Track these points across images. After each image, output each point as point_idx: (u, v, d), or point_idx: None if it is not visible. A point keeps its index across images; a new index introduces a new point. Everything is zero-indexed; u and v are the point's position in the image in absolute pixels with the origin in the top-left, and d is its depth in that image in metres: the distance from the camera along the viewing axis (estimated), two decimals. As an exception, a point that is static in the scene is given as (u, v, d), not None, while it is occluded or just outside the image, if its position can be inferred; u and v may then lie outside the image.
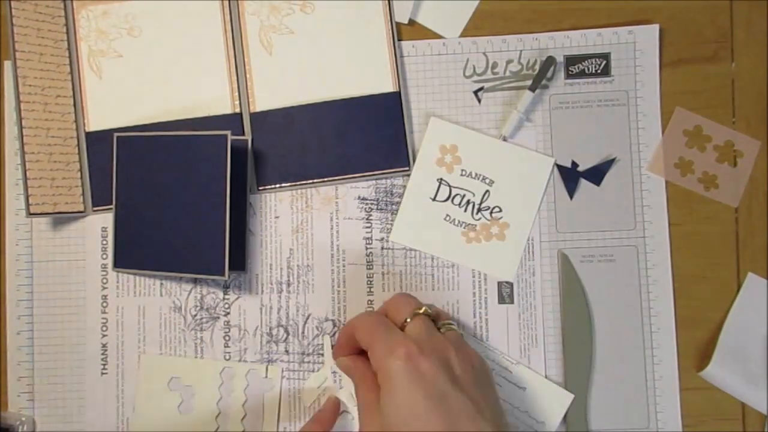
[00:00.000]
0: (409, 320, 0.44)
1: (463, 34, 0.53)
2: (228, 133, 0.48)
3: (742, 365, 0.50)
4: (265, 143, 0.53)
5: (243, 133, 0.53)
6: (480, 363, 0.44)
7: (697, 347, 0.52)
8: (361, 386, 0.45)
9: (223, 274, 0.49)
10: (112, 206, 0.52)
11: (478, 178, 0.52)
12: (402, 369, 0.40)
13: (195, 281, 0.53)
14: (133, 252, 0.51)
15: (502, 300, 0.52)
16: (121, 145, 0.52)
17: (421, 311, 0.45)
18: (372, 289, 0.53)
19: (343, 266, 0.53)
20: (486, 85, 0.53)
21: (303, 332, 0.53)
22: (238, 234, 0.52)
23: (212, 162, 0.49)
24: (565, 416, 0.51)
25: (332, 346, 0.52)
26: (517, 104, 0.52)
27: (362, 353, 0.46)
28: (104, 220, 0.54)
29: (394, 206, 0.53)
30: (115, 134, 0.52)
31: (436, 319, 0.46)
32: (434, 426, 0.38)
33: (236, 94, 0.53)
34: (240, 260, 0.52)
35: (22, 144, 0.50)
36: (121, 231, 0.52)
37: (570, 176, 0.52)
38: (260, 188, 0.53)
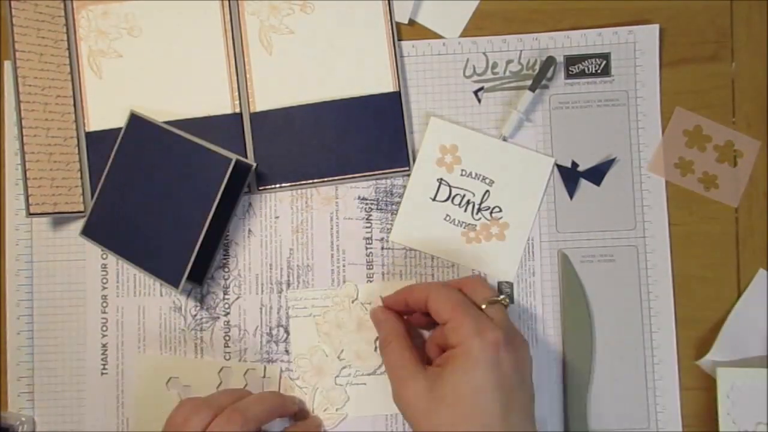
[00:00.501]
0: (485, 306, 0.45)
1: (463, 34, 0.53)
2: (234, 158, 0.48)
3: (741, 357, 0.50)
4: (265, 143, 0.53)
5: (243, 133, 0.53)
6: (530, 366, 0.46)
7: (697, 347, 0.52)
8: (395, 343, 0.46)
9: (177, 287, 0.49)
10: (102, 176, 0.52)
11: (478, 178, 0.52)
12: (487, 354, 0.42)
13: (195, 281, 0.53)
14: (104, 226, 0.52)
15: (502, 300, 0.52)
16: (134, 124, 0.52)
17: (500, 299, 0.46)
18: (372, 289, 0.53)
19: (343, 266, 0.53)
20: (486, 85, 0.53)
21: (303, 332, 0.53)
22: (208, 249, 0.52)
23: (209, 179, 0.49)
24: (565, 416, 0.51)
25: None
26: (517, 104, 0.52)
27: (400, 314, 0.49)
28: (104, 220, 0.54)
29: (394, 206, 0.53)
30: (131, 110, 0.52)
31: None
32: (491, 414, 0.41)
33: (236, 94, 0.53)
34: (200, 273, 0.53)
35: (22, 144, 0.50)
36: (101, 202, 0.52)
37: (570, 176, 0.52)
38: (260, 188, 0.53)
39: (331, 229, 0.53)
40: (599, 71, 0.52)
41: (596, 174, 0.52)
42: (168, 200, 0.50)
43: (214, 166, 0.49)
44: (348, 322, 0.52)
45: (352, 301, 0.52)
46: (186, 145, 0.50)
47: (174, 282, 0.49)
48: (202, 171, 0.49)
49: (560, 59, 0.53)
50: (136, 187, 0.51)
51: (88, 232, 0.52)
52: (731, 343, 0.50)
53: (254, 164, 0.52)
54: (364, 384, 0.52)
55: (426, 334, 0.51)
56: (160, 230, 0.50)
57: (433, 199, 0.52)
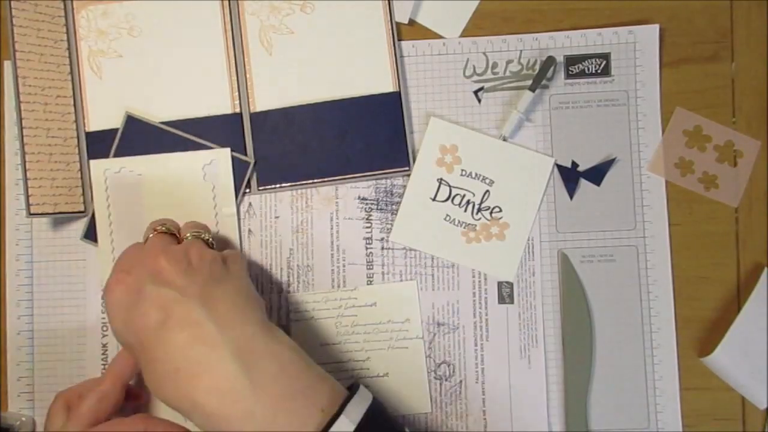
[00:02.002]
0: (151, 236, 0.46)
1: (463, 34, 0.53)
2: (228, 150, 0.48)
3: (747, 358, 0.50)
4: (265, 143, 0.53)
5: (243, 133, 0.53)
6: (211, 257, 0.44)
7: (697, 347, 0.52)
8: None
9: None
10: None
11: (478, 178, 0.52)
12: (108, 292, 0.44)
13: (195, 281, 0.53)
14: None
15: (502, 300, 0.52)
16: (130, 125, 0.52)
17: (158, 230, 0.46)
18: (372, 289, 0.53)
19: (343, 266, 0.53)
20: (486, 85, 0.53)
21: (303, 332, 0.53)
22: None
23: None
24: (566, 416, 0.51)
25: None
26: (517, 104, 0.52)
27: None
28: (104, 220, 0.54)
29: (394, 206, 0.53)
30: (126, 111, 0.52)
31: (178, 232, 0.47)
32: (143, 320, 0.41)
33: (236, 94, 0.53)
34: None
35: (22, 144, 0.50)
36: None
37: (570, 176, 0.52)
38: (260, 188, 0.53)
39: (331, 229, 0.53)
40: (599, 71, 0.53)
41: (596, 174, 0.52)
42: (168, 200, 0.50)
43: None
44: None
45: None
46: (182, 145, 0.50)
47: None
48: None
49: (560, 59, 0.53)
50: (136, 187, 0.51)
51: (91, 235, 0.52)
52: (739, 343, 0.50)
53: (252, 160, 0.52)
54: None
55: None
56: None
57: (433, 199, 0.52)
